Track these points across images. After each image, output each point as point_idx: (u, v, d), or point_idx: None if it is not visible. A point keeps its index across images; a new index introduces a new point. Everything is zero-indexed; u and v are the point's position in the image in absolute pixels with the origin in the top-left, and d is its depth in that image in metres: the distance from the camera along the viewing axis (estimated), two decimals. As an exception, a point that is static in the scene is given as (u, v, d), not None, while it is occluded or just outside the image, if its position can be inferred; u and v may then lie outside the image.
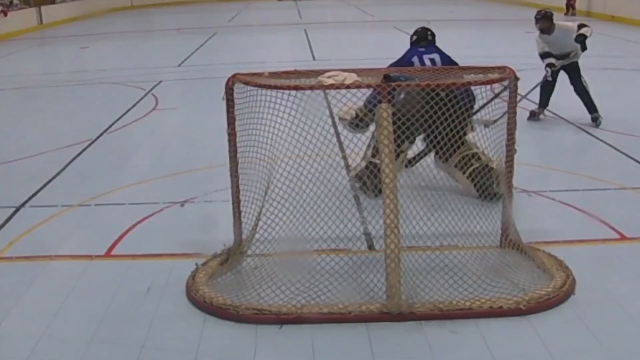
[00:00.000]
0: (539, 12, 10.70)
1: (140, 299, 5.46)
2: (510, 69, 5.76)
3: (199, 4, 47.64)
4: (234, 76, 5.61)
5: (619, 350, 4.66)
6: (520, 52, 18.78)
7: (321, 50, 20.67)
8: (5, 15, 28.89)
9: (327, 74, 5.62)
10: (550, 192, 7.52)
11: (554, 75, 10.52)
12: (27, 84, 16.43)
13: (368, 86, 5.37)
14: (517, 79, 5.71)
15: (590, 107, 10.54)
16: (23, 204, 7.69)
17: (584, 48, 10.36)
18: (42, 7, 33.44)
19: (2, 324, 5.15)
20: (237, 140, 5.72)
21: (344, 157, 8.39)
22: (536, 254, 5.82)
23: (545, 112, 10.93)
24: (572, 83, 10.67)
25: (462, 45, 20.89)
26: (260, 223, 5.91)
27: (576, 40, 10.27)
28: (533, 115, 10.89)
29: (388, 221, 4.98)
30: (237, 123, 5.68)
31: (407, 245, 5.64)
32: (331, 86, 5.37)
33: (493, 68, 5.99)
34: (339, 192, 6.38)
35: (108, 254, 6.35)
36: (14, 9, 30.61)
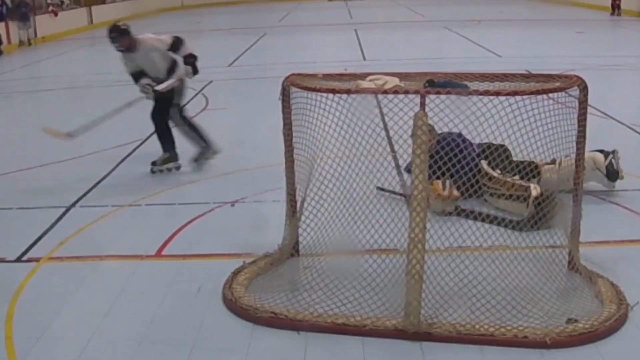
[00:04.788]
0: (110, 31, 8.48)
1: (190, 299, 5.45)
2: (578, 77, 5.19)
3: (249, 3, 47.84)
4: (289, 77, 5.54)
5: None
6: (572, 52, 18.60)
7: (371, 50, 20.56)
8: (56, 15, 29.27)
9: (370, 77, 5.54)
10: (601, 192, 7.36)
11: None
12: (78, 83, 16.60)
13: (406, 92, 5.03)
14: (586, 88, 5.15)
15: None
16: (73, 204, 7.74)
17: (195, 72, 8.91)
18: (93, 7, 33.91)
19: (53, 323, 5.16)
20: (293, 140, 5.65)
21: (394, 157, 8.32)
22: (597, 280, 5.34)
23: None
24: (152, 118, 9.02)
25: (513, 45, 20.74)
26: (306, 224, 5.85)
27: (186, 62, 8.77)
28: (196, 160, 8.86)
29: (413, 235, 4.73)
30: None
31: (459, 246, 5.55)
32: (369, 90, 5.27)
33: (559, 77, 5.36)
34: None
35: (158, 254, 6.36)
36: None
